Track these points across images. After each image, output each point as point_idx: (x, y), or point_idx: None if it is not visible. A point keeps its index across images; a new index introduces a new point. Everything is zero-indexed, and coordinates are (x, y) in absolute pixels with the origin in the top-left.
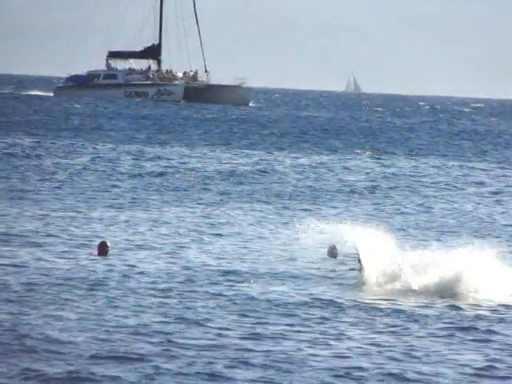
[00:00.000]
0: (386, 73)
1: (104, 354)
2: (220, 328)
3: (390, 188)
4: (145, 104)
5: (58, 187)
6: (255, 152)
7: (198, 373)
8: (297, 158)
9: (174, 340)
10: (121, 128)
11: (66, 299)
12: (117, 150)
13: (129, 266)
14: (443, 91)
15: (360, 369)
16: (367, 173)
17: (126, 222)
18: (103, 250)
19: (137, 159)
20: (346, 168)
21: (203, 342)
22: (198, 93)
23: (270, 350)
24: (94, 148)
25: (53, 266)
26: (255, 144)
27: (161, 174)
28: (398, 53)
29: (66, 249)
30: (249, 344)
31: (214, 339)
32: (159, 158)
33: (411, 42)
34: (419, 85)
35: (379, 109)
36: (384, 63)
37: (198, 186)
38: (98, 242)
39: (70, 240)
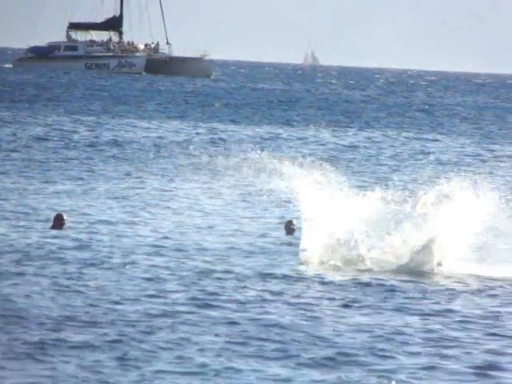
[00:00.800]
0: (344, 46)
1: (67, 321)
2: (180, 298)
3: (346, 160)
4: (101, 76)
5: (13, 159)
6: (211, 124)
7: (162, 340)
8: (253, 130)
9: (135, 309)
10: (76, 99)
11: (24, 271)
12: (72, 122)
13: (85, 238)
14: (399, 64)
15: (329, 339)
16: (323, 144)
17: (83, 194)
18: (59, 222)
19: (93, 131)
20: (301, 139)
21: (164, 310)
22: (159, 65)
23: (232, 318)
24: (50, 119)
25: (9, 239)
26: (211, 116)
27: (117, 146)
28: (356, 26)
29: (22, 222)
30: (211, 312)
31: (174, 309)
32: (115, 129)
33: (369, 15)
34: (377, 58)
35: (334, 81)
36: (342, 36)
37: (154, 159)
38: (53, 214)
39: (26, 212)
